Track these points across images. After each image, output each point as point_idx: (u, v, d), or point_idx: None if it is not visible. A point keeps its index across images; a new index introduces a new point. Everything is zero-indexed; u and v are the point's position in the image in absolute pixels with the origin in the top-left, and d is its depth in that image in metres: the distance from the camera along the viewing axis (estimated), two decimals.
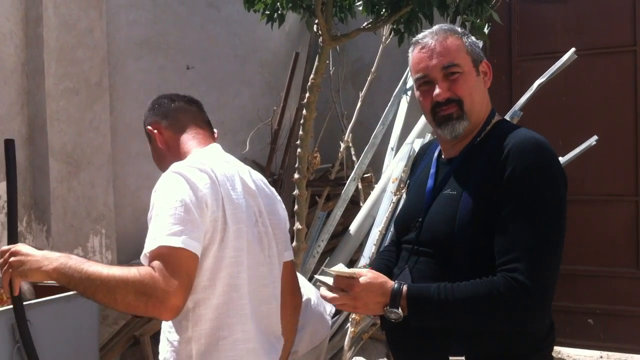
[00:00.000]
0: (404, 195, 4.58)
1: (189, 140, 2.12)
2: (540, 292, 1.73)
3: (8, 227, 2.07)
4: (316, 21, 3.77)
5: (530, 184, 1.78)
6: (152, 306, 1.66)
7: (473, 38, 2.02)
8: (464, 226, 1.82)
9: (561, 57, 4.50)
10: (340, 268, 1.86)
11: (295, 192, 3.91)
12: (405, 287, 1.80)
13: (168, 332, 1.89)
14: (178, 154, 2.08)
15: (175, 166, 1.89)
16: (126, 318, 4.18)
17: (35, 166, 4.03)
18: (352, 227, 4.84)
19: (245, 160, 5.38)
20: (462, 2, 3.39)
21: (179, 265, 1.69)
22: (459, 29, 2.02)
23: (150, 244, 1.71)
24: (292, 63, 5.19)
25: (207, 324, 1.84)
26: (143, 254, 1.75)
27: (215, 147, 2.12)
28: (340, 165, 5.14)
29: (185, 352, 1.84)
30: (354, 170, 4.98)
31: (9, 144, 2.09)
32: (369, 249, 4.42)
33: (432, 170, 2.03)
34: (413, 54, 2.00)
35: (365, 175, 5.07)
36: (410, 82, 5.23)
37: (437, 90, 1.92)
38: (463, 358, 1.80)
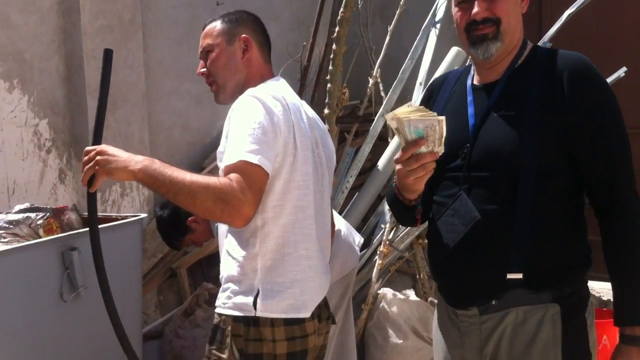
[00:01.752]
0: None
1: (266, 68, 2.23)
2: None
3: (95, 128, 2.16)
4: None
5: (606, 111, 1.90)
6: (227, 213, 1.82)
7: None
8: (530, 146, 1.86)
9: None
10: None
11: (325, 126, 3.98)
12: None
13: (233, 249, 2.02)
14: (252, 76, 2.18)
15: (252, 91, 2.03)
16: (164, 251, 4.34)
17: (74, 104, 4.14)
18: (380, 163, 4.91)
19: None
20: None
21: (254, 179, 1.85)
22: None
23: (230, 158, 1.87)
24: None
25: (274, 241, 1.99)
26: (221, 167, 1.91)
27: (284, 81, 2.24)
28: (369, 101, 5.17)
29: (250, 267, 1.99)
30: (382, 106, 5.02)
31: (108, 53, 2.21)
32: None
33: (470, 97, 2.04)
34: None
35: None
36: (439, 15, 5.21)
37: (475, 9, 1.94)
38: (521, 275, 1.87)
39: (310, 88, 5.37)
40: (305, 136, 2.07)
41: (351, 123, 5.18)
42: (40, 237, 2.60)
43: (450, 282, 2.02)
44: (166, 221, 3.21)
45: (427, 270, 4.42)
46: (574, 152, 1.90)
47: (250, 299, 1.97)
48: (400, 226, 4.31)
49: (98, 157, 1.96)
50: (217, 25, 2.24)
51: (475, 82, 2.06)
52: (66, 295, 2.63)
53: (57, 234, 2.69)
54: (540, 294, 1.88)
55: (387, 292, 4.22)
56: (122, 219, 3.04)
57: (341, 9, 3.93)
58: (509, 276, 1.87)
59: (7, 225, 2.59)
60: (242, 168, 1.85)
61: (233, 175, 1.85)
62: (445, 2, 5.16)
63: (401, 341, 4.06)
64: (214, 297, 4.16)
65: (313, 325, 2.05)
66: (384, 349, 4.04)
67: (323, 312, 2.15)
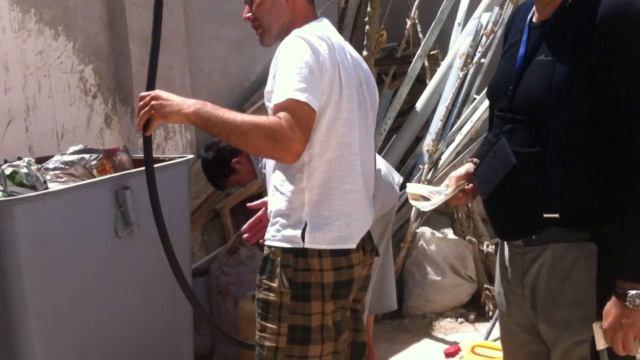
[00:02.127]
0: (471, 71, 4.64)
1: (310, 10, 2.27)
2: None
3: (149, 74, 2.29)
4: None
5: (634, 58, 1.84)
6: (279, 149, 1.92)
7: None
8: (561, 92, 1.87)
9: None
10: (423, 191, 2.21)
11: None
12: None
13: (280, 185, 2.11)
14: (297, 19, 2.23)
15: (298, 32, 2.09)
16: (207, 192, 4.48)
17: (117, 50, 4.23)
18: (418, 105, 4.95)
19: None
20: None
21: (302, 116, 1.94)
22: None
23: (279, 97, 1.95)
24: None
25: (320, 176, 2.08)
26: (270, 106, 1.99)
27: (327, 22, 2.28)
28: (407, 42, 5.18)
29: (298, 201, 2.08)
30: (420, 48, 5.02)
31: (158, 1, 2.32)
32: (435, 125, 4.55)
33: (524, 37, 2.04)
34: None
35: (432, 52, 5.12)
36: None
37: None
38: (558, 215, 1.92)
39: (348, 30, 5.38)
40: (350, 75, 2.12)
41: (389, 65, 5.20)
42: (94, 177, 2.72)
43: (495, 217, 2.11)
44: (211, 162, 3.31)
45: (465, 209, 4.49)
46: (602, 97, 1.87)
47: (298, 232, 2.06)
48: (438, 167, 4.37)
49: (153, 102, 2.04)
50: None
51: (534, 19, 2.06)
52: (120, 232, 2.76)
53: (110, 174, 2.80)
54: (578, 232, 1.92)
55: (426, 230, 4.31)
56: (169, 160, 3.15)
57: None
58: (546, 216, 1.93)
59: (63, 166, 2.71)
60: (290, 106, 1.92)
61: (282, 114, 1.92)
62: None
63: (439, 278, 4.17)
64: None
65: (358, 257, 2.15)
66: (423, 285, 4.15)
67: (367, 244, 2.24)
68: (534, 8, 2.06)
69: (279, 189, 2.12)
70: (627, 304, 1.80)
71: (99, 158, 2.76)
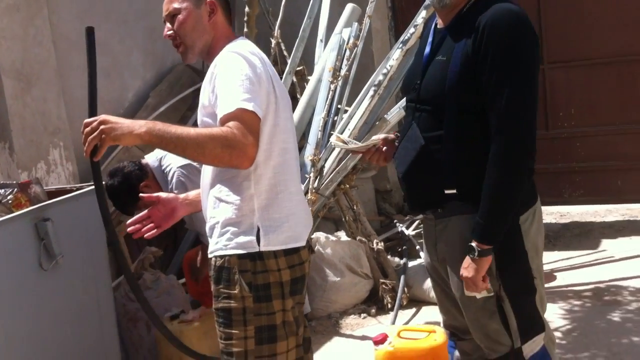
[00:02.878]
0: (340, 83, 4.92)
1: (229, 30, 2.38)
2: (521, 145, 2.19)
3: (89, 101, 2.34)
4: None
5: (504, 56, 2.16)
6: (235, 156, 2.02)
7: None
8: (452, 86, 2.22)
9: None
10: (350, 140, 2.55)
11: None
12: (475, 243, 2.23)
13: (226, 195, 2.18)
14: (219, 37, 2.32)
15: (231, 48, 2.21)
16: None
17: None
18: (294, 119, 5.15)
19: (179, 64, 5.55)
20: None
21: (251, 124, 2.05)
22: None
23: (227, 107, 2.04)
24: None
25: (267, 182, 2.18)
26: (219, 117, 2.06)
27: (248, 40, 2.39)
28: (274, 61, 5.38)
29: (248, 208, 2.16)
30: (287, 65, 5.24)
31: (89, 31, 2.37)
32: (314, 136, 4.75)
33: (430, 39, 2.38)
34: None
35: (298, 69, 5.35)
36: None
37: None
38: (455, 191, 2.27)
39: None
40: (280, 85, 2.26)
41: None
42: (12, 212, 2.65)
43: (408, 193, 2.44)
44: (118, 188, 3.30)
45: (351, 213, 4.75)
46: (481, 90, 2.21)
47: (252, 237, 2.14)
48: (324, 174, 4.59)
49: (102, 127, 2.05)
50: None
51: (438, 25, 2.38)
52: (45, 265, 2.70)
53: (27, 207, 2.74)
54: (473, 206, 2.24)
55: (320, 235, 4.51)
56: (77, 189, 3.11)
57: None
58: (446, 191, 2.28)
59: None
60: (240, 115, 2.02)
61: (232, 123, 2.01)
62: None
63: (339, 279, 4.38)
64: (157, 259, 4.32)
65: (306, 253, 2.29)
66: (324, 287, 4.34)
67: (307, 242, 2.38)
68: (436, 16, 2.39)
69: (224, 200, 2.19)
70: (469, 254, 2.22)
71: (14, 192, 2.69)
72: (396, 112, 4.70)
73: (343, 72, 4.93)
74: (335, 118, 4.88)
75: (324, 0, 5.44)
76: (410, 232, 5.23)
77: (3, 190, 2.68)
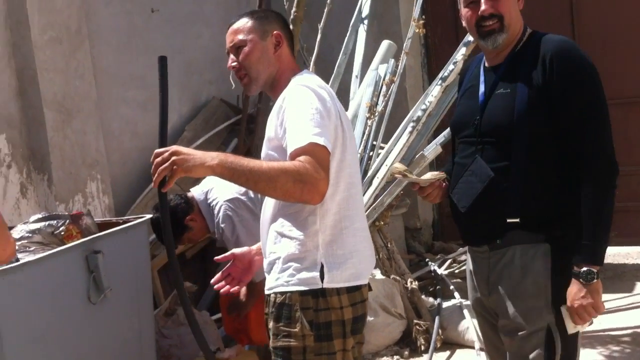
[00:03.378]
0: (376, 119, 4.90)
1: (294, 62, 2.37)
2: (613, 168, 2.25)
3: (160, 132, 2.28)
4: None
5: (582, 84, 2.25)
6: (307, 191, 2.00)
7: None
8: (521, 116, 2.27)
9: None
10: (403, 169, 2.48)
11: None
12: (581, 265, 2.22)
13: (289, 230, 2.15)
14: (284, 70, 2.31)
15: (300, 81, 2.21)
16: None
17: (30, 117, 4.09)
18: None
19: (214, 99, 5.57)
20: None
21: (323, 159, 2.03)
22: None
23: (298, 142, 2.03)
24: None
25: (332, 217, 2.15)
26: (289, 150, 2.05)
27: (313, 73, 2.40)
28: None
29: (312, 243, 2.13)
30: None
31: (163, 60, 2.29)
32: None
33: (482, 78, 2.44)
34: None
35: None
36: (365, 12, 5.49)
37: (483, 7, 2.32)
38: (518, 220, 2.28)
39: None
40: (347, 120, 2.25)
41: None
42: (64, 243, 2.62)
43: (467, 226, 2.44)
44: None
45: (385, 250, 4.69)
46: (558, 120, 2.27)
47: (315, 273, 2.10)
48: None
49: (174, 158, 2.01)
50: (248, 22, 2.32)
51: (486, 65, 2.45)
52: (94, 298, 2.66)
53: (78, 238, 2.71)
54: (534, 235, 2.28)
55: None
56: (124, 222, 3.09)
57: (293, 9, 4.13)
58: (508, 220, 2.29)
59: (29, 235, 2.59)
60: (311, 150, 2.01)
61: (304, 158, 2.00)
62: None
63: (372, 318, 4.29)
64: (192, 295, 4.27)
65: (367, 291, 2.24)
66: None
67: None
68: (484, 58, 2.47)
69: (287, 235, 2.16)
70: (581, 280, 2.19)
71: (66, 224, 2.67)
72: (433, 149, 4.67)
73: (380, 107, 4.92)
74: (371, 154, 4.86)
75: (359, 36, 5.47)
76: (442, 271, 5.15)
77: (55, 222, 2.66)
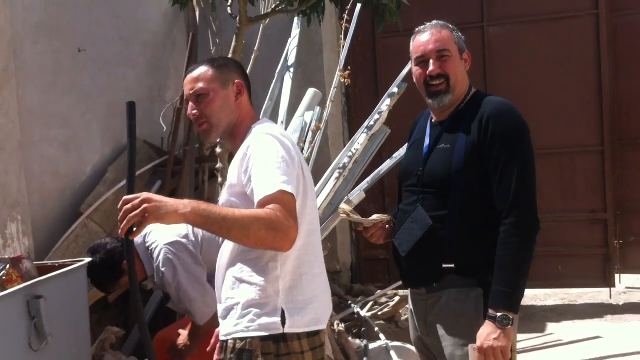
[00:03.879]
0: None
1: (253, 110, 2.42)
2: (533, 220, 2.42)
3: (128, 178, 2.22)
4: (229, 3, 4.07)
5: (509, 140, 2.43)
6: (279, 239, 2.04)
7: (459, 33, 2.63)
8: (458, 170, 2.47)
9: None
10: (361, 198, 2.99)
11: (219, 165, 4.23)
12: (494, 314, 2.36)
13: (250, 276, 2.18)
14: (244, 117, 2.36)
15: (263, 129, 2.27)
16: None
17: None
18: None
19: (137, 140, 5.51)
20: None
21: (291, 207, 2.08)
22: (450, 25, 2.63)
23: (267, 189, 2.07)
24: (189, 43, 5.40)
25: (292, 263, 2.20)
26: (257, 199, 2.08)
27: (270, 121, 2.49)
28: None
29: (273, 289, 2.17)
30: None
31: (131, 106, 2.28)
32: None
33: (428, 132, 2.64)
34: (415, 39, 2.60)
35: None
36: (291, 61, 5.62)
37: (431, 67, 2.52)
38: (453, 265, 2.46)
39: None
40: (307, 167, 2.33)
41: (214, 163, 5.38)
42: (4, 288, 2.54)
43: (406, 269, 2.62)
44: (102, 266, 3.21)
45: None
46: (487, 175, 2.46)
47: (276, 319, 2.15)
48: None
49: (146, 205, 2.00)
50: (209, 70, 2.34)
51: (433, 120, 2.66)
52: (35, 345, 2.58)
53: (19, 283, 2.63)
54: (468, 279, 2.46)
55: None
56: (60, 266, 3.02)
57: (230, 55, 4.21)
58: (444, 265, 2.48)
59: None
60: (280, 198, 2.06)
61: (273, 206, 2.04)
62: (296, 48, 5.61)
63: None
64: (119, 340, 4.17)
65: (324, 335, 2.30)
66: None
67: None
68: (432, 114, 2.68)
69: (247, 280, 2.19)
70: (496, 324, 2.34)
71: (6, 268, 2.59)
72: (357, 194, 4.79)
73: (306, 154, 5.03)
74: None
75: (285, 83, 5.59)
76: (365, 313, 5.26)
77: None
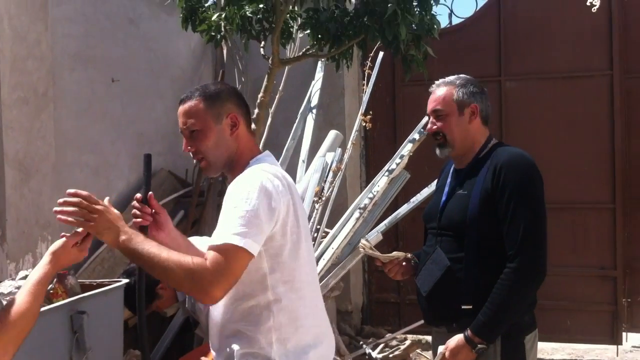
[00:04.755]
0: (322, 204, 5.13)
1: (252, 139, 2.28)
2: (533, 269, 2.56)
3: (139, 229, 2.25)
4: (262, 45, 4.24)
5: (521, 188, 2.59)
6: (195, 291, 1.98)
7: (471, 87, 2.81)
8: (473, 215, 2.63)
9: None
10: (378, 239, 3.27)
11: None
12: (469, 333, 2.59)
13: (243, 326, 2.13)
14: (242, 150, 2.22)
15: (255, 169, 2.13)
16: None
17: None
18: None
19: (162, 170, 5.66)
20: (404, 39, 4.04)
21: (232, 263, 1.96)
22: (458, 81, 2.82)
23: (217, 238, 1.98)
24: (220, 78, 5.54)
25: (287, 315, 2.12)
26: (208, 243, 2.01)
27: (271, 154, 2.31)
28: None
29: (265, 340, 2.10)
30: None
31: (148, 158, 2.31)
32: None
33: (449, 179, 2.84)
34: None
35: None
36: (314, 103, 5.81)
37: (428, 125, 2.82)
38: (472, 307, 2.59)
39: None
40: (304, 213, 2.19)
41: None
42: (51, 302, 2.63)
43: (427, 309, 2.78)
44: (134, 288, 3.28)
45: None
46: (500, 220, 2.60)
47: None
48: None
49: (98, 216, 2.09)
50: (200, 104, 2.19)
51: (456, 167, 2.85)
52: (75, 358, 2.67)
53: (63, 298, 2.73)
54: None
55: None
56: (97, 285, 3.11)
57: (261, 94, 4.36)
58: (463, 307, 2.62)
59: (17, 291, 2.58)
60: (225, 250, 1.95)
61: (212, 256, 1.95)
62: (319, 91, 5.79)
63: None
64: None
65: None
66: None
67: None
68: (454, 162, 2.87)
69: (241, 330, 2.13)
70: (471, 347, 2.56)
71: (53, 282, 2.69)
72: (375, 236, 4.91)
73: (326, 193, 5.15)
74: (315, 235, 5.05)
75: (307, 124, 5.75)
76: (376, 354, 5.32)
77: None
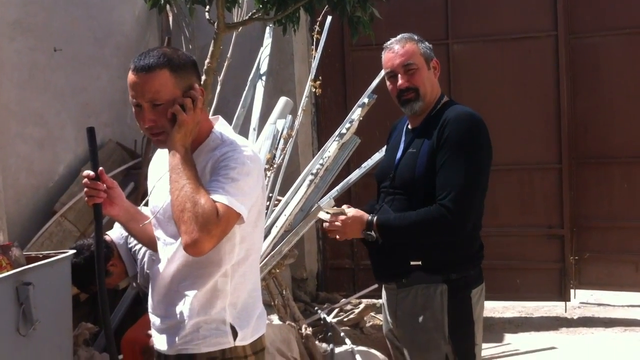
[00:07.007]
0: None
1: (206, 112, 2.28)
2: (461, 213, 2.59)
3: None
4: (207, 9, 4.17)
5: (459, 141, 2.61)
6: (192, 237, 1.96)
7: (427, 43, 2.82)
8: (420, 173, 2.66)
9: None
10: (331, 205, 2.90)
11: None
12: (375, 218, 2.68)
13: (198, 291, 2.15)
14: (202, 120, 2.16)
15: (246, 144, 2.15)
16: None
17: None
18: None
19: (110, 142, 5.56)
20: (350, 1, 4.02)
21: (229, 225, 2.02)
22: (416, 37, 2.81)
23: (222, 197, 1.99)
24: (165, 45, 5.42)
25: (240, 280, 2.18)
26: (212, 195, 2.00)
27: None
28: None
29: (221, 305, 2.15)
30: None
31: (91, 131, 2.29)
32: None
33: (403, 137, 2.85)
34: (384, 55, 2.81)
35: None
36: (263, 69, 5.74)
37: (399, 81, 2.73)
38: (420, 262, 2.66)
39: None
40: (264, 186, 2.24)
41: None
42: None
43: (377, 266, 2.85)
44: (84, 266, 3.20)
45: (280, 297, 4.85)
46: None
47: (226, 335, 2.14)
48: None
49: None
50: (168, 75, 2.07)
51: (409, 127, 2.86)
52: (23, 330, 2.62)
53: (8, 270, 2.67)
54: (433, 276, 2.67)
55: None
56: (44, 257, 3.05)
57: (207, 60, 4.29)
58: (412, 263, 2.68)
59: None
60: (226, 212, 1.98)
61: (222, 210, 1.98)
62: (268, 57, 5.73)
63: None
64: (93, 336, 4.19)
65: (264, 339, 2.31)
66: None
67: None
68: (407, 120, 2.88)
69: (196, 296, 2.15)
70: (363, 231, 2.70)
71: None
72: (327, 202, 4.91)
73: (277, 161, 5.13)
74: (268, 203, 5.04)
75: (257, 91, 5.69)
76: (331, 319, 5.36)
77: None
